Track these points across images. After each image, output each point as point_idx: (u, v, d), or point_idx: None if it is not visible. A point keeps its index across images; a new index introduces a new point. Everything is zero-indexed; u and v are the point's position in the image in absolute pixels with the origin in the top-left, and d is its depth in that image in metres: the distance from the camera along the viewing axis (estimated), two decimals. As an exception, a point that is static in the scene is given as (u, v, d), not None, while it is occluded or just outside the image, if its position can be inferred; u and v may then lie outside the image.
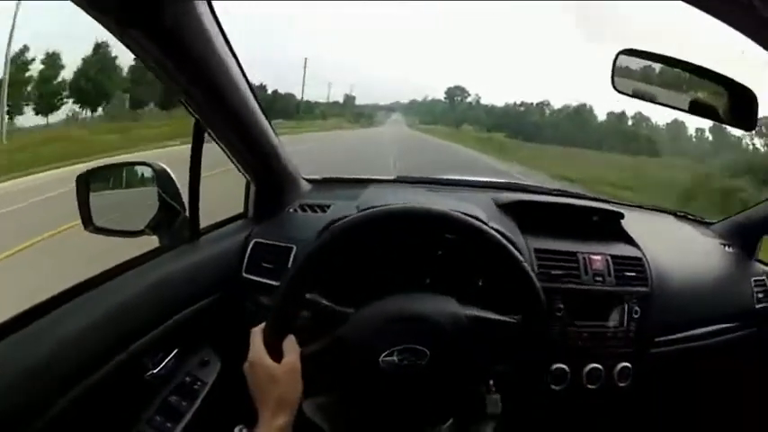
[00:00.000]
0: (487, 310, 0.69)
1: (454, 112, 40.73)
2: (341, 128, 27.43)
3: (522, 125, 26.75)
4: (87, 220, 0.89)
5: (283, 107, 28.70)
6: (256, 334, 0.66)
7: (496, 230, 0.75)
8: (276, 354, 0.64)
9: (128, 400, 0.77)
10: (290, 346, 0.65)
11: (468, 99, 43.29)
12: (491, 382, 0.73)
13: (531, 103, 31.59)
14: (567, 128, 23.02)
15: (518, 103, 33.34)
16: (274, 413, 0.61)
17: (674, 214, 1.31)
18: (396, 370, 0.65)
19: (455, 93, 44.31)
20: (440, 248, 0.85)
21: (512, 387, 0.77)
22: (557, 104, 29.66)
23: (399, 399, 0.70)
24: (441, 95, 46.41)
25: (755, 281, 1.15)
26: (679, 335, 1.03)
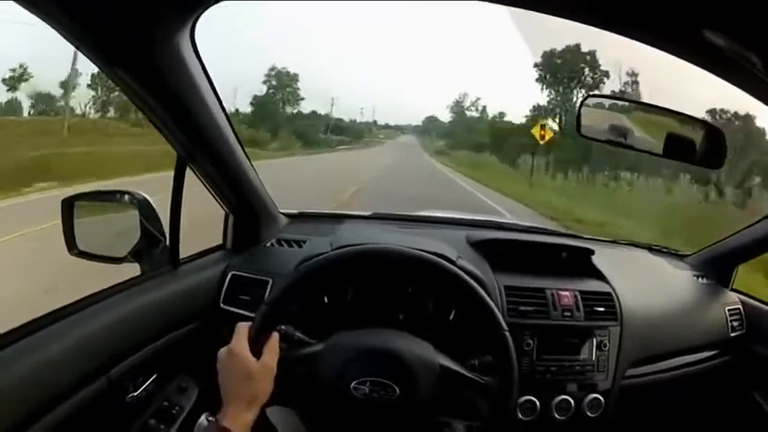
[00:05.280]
0: (460, 364, 0.71)
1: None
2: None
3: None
4: (71, 244, 0.91)
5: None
6: (242, 327, 0.69)
7: (464, 268, 0.77)
8: (256, 351, 0.66)
9: (109, 422, 0.79)
10: (272, 346, 0.68)
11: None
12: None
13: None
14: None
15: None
16: (243, 409, 0.63)
17: (649, 249, 1.33)
18: (366, 399, 0.68)
19: (557, 65, 16.66)
20: (409, 286, 0.87)
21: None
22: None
23: (366, 427, 0.73)
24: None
25: (729, 310, 1.18)
26: (652, 366, 1.05)
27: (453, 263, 0.79)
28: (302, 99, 23.18)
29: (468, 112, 26.57)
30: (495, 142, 19.29)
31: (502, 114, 23.02)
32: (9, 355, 0.66)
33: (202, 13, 0.61)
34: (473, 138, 22.32)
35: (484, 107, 25.81)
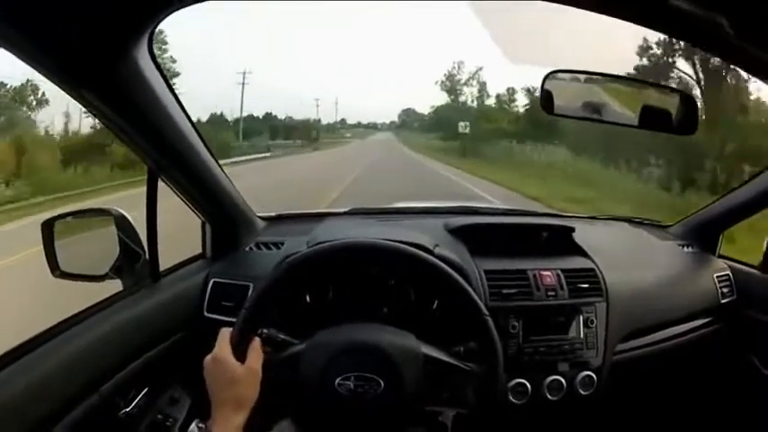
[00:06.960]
0: (445, 352, 0.71)
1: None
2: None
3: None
4: (53, 266, 0.91)
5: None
6: (224, 333, 0.69)
7: (442, 256, 0.77)
8: (240, 356, 0.67)
9: None
10: (255, 350, 0.68)
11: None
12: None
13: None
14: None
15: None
16: (230, 414, 0.64)
17: (629, 221, 1.33)
18: (351, 394, 0.68)
19: None
20: (390, 278, 0.87)
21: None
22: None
23: (354, 422, 0.72)
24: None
25: (718, 276, 1.18)
26: (643, 339, 1.05)
27: (431, 252, 0.79)
28: (176, 75, 14.92)
29: (466, 88, 20.65)
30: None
31: (512, 92, 17.86)
32: (2, 379, 0.66)
33: (158, 24, 0.60)
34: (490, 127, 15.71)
35: (484, 83, 20.13)
